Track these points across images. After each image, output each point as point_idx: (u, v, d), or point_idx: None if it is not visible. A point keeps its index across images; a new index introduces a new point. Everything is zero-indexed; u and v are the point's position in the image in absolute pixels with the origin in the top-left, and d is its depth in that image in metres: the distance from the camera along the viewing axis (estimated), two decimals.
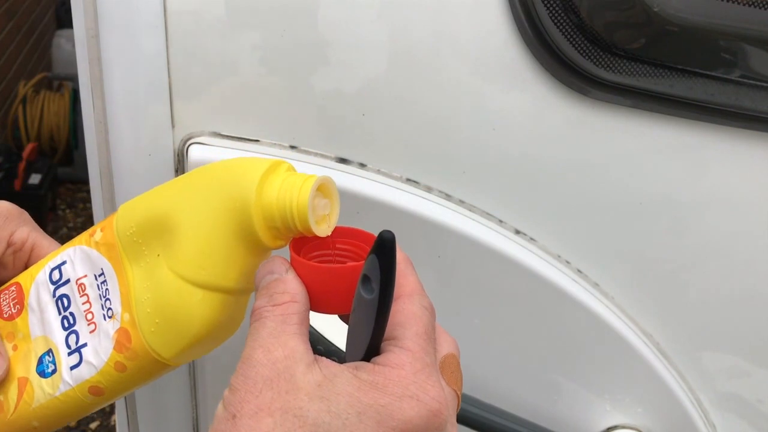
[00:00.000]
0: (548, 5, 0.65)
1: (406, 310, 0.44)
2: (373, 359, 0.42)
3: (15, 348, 0.56)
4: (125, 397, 0.87)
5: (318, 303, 0.47)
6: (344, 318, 0.49)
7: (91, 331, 0.53)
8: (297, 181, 0.48)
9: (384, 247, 0.40)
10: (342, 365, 0.42)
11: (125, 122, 0.70)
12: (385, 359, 0.42)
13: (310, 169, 0.71)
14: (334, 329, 0.73)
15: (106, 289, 0.53)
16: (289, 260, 0.48)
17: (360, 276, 0.42)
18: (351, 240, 0.50)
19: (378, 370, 0.41)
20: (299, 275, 0.47)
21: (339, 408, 0.40)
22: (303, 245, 0.49)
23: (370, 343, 0.43)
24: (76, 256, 0.55)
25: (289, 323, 0.43)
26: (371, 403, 0.40)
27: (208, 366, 0.81)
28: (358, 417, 0.39)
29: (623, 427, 0.83)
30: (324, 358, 0.43)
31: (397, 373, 0.41)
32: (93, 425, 2.35)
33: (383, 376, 0.41)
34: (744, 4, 0.65)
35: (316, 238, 0.48)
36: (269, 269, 0.46)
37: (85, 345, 0.54)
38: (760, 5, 0.64)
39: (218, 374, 0.82)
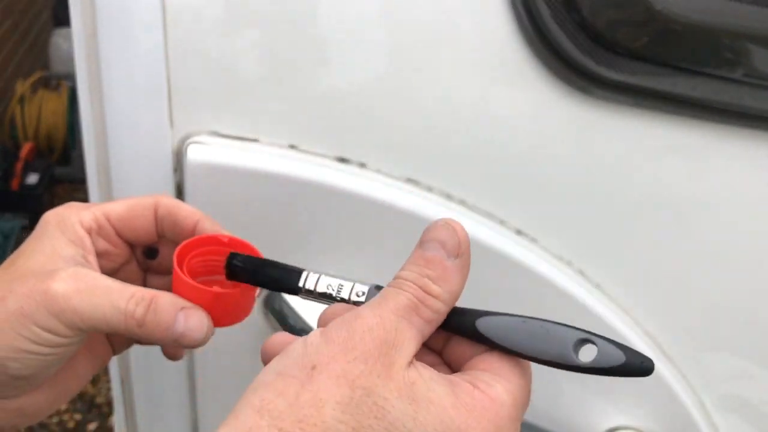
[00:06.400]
0: (550, 3, 0.64)
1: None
2: (473, 379, 0.39)
3: None
4: (124, 398, 0.87)
5: (219, 321, 0.50)
6: None
7: None
8: None
9: None
10: (440, 375, 0.38)
11: (123, 121, 0.70)
12: (487, 387, 0.39)
13: (311, 169, 0.70)
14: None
15: None
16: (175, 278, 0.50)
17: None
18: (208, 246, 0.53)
19: (478, 396, 0.38)
20: (197, 301, 0.49)
21: (425, 418, 0.36)
22: (182, 259, 0.52)
23: None
24: None
25: (422, 317, 0.39)
26: (459, 425, 0.36)
27: (207, 366, 0.81)
28: None
29: (625, 428, 0.83)
30: (421, 365, 0.39)
31: (496, 410, 0.38)
32: (91, 426, 2.34)
33: (481, 404, 0.37)
34: (748, 3, 0.64)
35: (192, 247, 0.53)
36: (438, 239, 0.42)
37: None
38: (764, 4, 0.64)
39: (218, 374, 0.82)
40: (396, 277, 0.41)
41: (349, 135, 0.71)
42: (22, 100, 3.30)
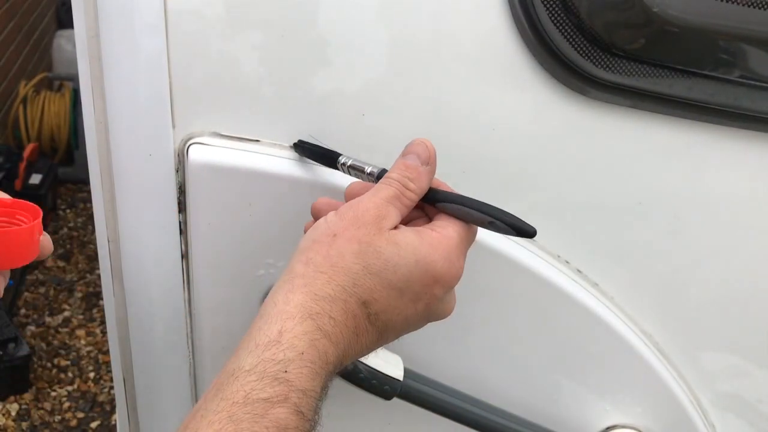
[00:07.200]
0: (548, 6, 0.65)
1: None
2: (432, 226, 0.58)
3: None
4: (126, 397, 0.87)
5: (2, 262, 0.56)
6: None
7: None
8: None
9: None
10: (411, 229, 0.58)
11: (126, 122, 0.70)
12: (441, 229, 0.58)
13: (311, 169, 0.71)
14: None
15: None
16: None
17: None
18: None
19: (435, 236, 0.57)
20: None
21: (405, 253, 0.56)
22: None
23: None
24: None
25: (402, 203, 0.58)
26: (424, 254, 0.56)
27: (208, 365, 0.81)
28: (415, 263, 0.56)
29: (623, 426, 0.83)
30: (402, 226, 0.58)
31: (447, 243, 0.57)
32: (94, 425, 2.35)
33: (437, 240, 0.57)
34: (743, 5, 0.65)
35: None
36: (416, 152, 0.60)
37: None
38: (760, 6, 0.65)
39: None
40: (386, 177, 0.60)
41: (350, 135, 0.71)
42: (25, 101, 3.31)
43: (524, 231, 0.57)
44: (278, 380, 0.50)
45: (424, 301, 0.57)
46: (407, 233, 0.57)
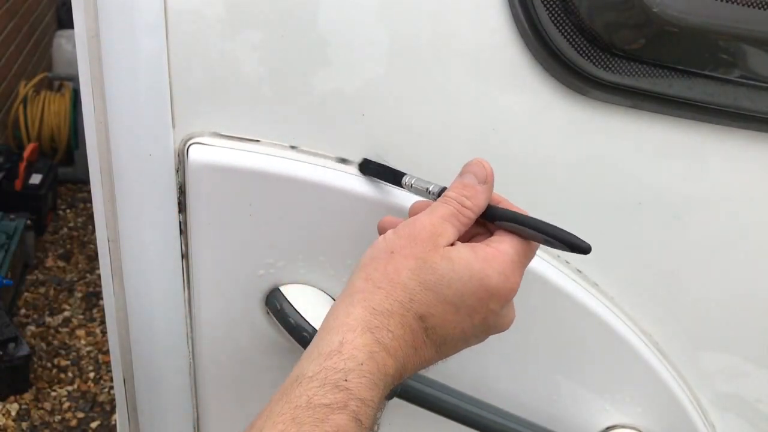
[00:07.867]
0: (548, 6, 0.65)
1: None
2: (488, 242, 0.59)
3: None
4: (126, 397, 0.87)
5: None
6: None
7: None
8: None
9: None
10: (466, 245, 0.59)
11: (126, 122, 0.70)
12: (496, 244, 0.59)
13: (311, 170, 0.71)
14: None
15: None
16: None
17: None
18: None
19: (489, 251, 0.58)
20: None
21: (459, 268, 0.57)
22: None
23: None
24: None
25: (459, 220, 0.60)
26: (478, 269, 0.57)
27: (208, 366, 0.81)
28: (469, 278, 0.57)
29: (622, 426, 0.83)
30: (459, 243, 0.59)
31: (502, 258, 0.58)
32: (94, 425, 2.35)
33: (492, 255, 0.58)
34: (743, 5, 0.65)
35: None
36: (473, 171, 0.62)
37: None
38: (759, 6, 0.65)
39: (218, 374, 0.82)
40: (443, 195, 0.62)
41: (350, 135, 0.71)
42: (25, 101, 3.31)
43: (579, 248, 0.59)
44: (338, 388, 0.52)
45: (481, 314, 0.59)
46: (462, 249, 0.58)
